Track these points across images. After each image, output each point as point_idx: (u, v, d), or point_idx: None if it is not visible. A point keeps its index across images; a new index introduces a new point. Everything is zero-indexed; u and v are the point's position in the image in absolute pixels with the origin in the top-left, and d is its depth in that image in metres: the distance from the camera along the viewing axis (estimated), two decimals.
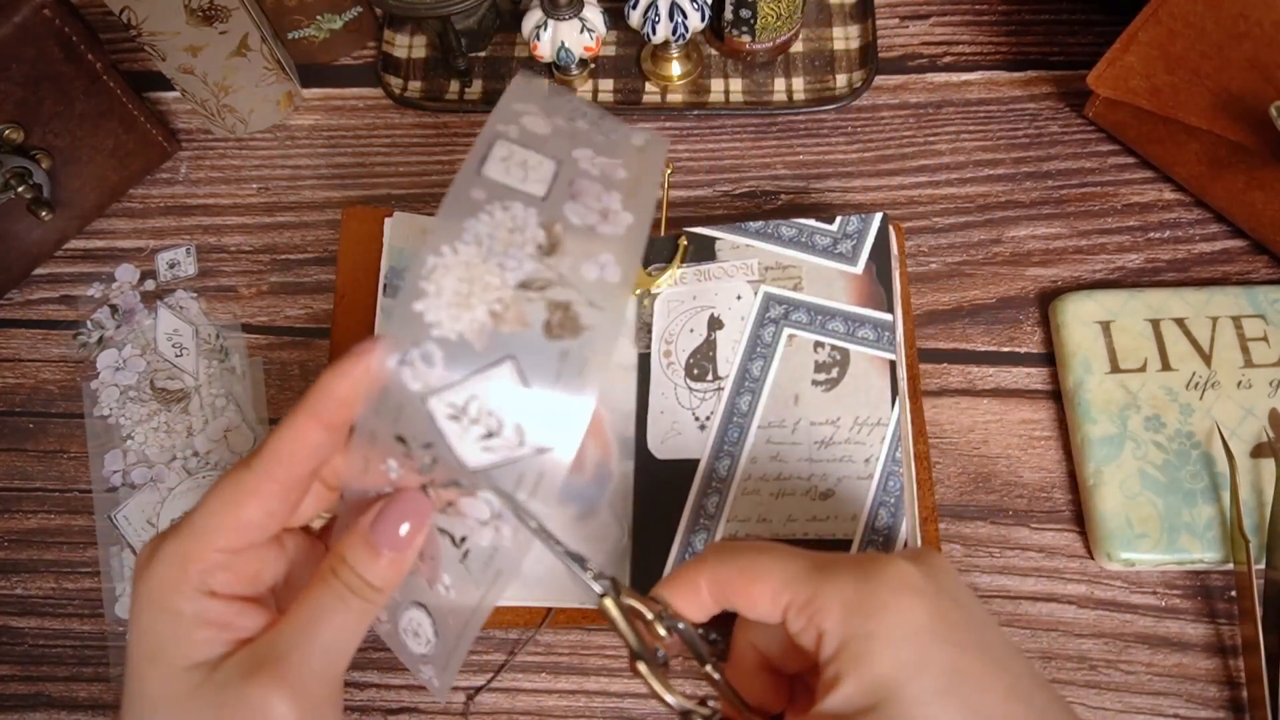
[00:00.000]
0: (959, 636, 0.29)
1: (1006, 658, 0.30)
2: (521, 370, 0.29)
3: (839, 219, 0.49)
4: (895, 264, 0.49)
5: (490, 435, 0.29)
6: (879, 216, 0.49)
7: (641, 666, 0.30)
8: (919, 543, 0.44)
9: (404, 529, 0.30)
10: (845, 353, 0.47)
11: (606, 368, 0.30)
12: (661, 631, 0.31)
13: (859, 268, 0.48)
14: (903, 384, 0.47)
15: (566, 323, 0.30)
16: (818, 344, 0.47)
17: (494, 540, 0.31)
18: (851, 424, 0.46)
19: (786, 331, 0.48)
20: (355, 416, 0.30)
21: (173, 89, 0.57)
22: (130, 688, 0.30)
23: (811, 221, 0.49)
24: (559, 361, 0.29)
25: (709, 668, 0.32)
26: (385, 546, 0.30)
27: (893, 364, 0.46)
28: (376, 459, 0.31)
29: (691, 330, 0.49)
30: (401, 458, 0.30)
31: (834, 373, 0.47)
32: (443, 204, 0.30)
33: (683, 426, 0.47)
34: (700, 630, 0.32)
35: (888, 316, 0.47)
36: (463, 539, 0.31)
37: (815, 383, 0.47)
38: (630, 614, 0.31)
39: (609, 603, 0.31)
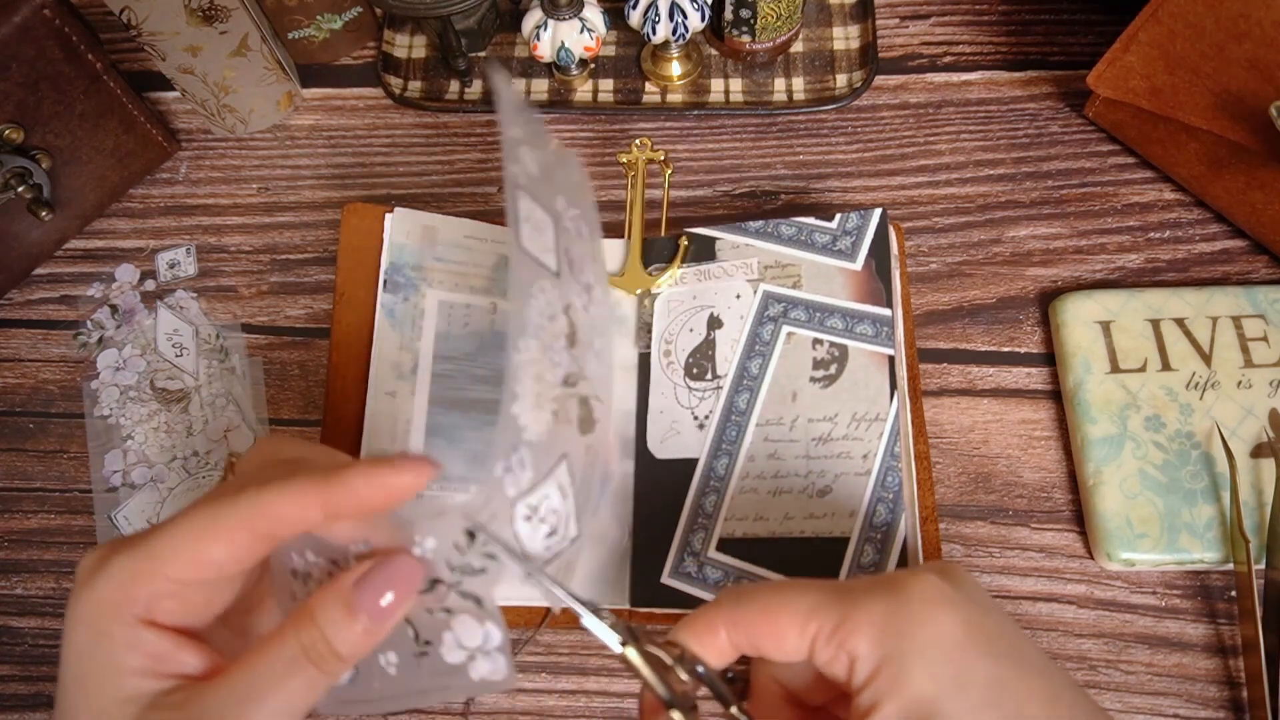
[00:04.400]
0: (995, 647, 0.28)
1: (1042, 665, 0.29)
2: (571, 468, 0.29)
3: (838, 216, 0.49)
4: (895, 262, 0.49)
5: (552, 533, 0.29)
6: (878, 212, 0.49)
7: (676, 715, 0.29)
8: (919, 541, 0.44)
9: (389, 597, 0.28)
10: (844, 349, 0.47)
11: (615, 470, 0.31)
12: (683, 676, 0.30)
13: (858, 264, 0.48)
14: (902, 380, 0.47)
15: (587, 418, 0.30)
16: (816, 341, 0.47)
17: (462, 663, 0.29)
18: (849, 420, 0.46)
19: (785, 329, 0.48)
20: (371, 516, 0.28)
21: (173, 89, 0.57)
22: (60, 709, 0.28)
23: (811, 220, 0.50)
24: (587, 456, 0.29)
25: (734, 709, 0.31)
26: (365, 612, 0.27)
27: (891, 359, 0.46)
28: (415, 531, 0.29)
29: (691, 330, 0.49)
30: (448, 547, 0.29)
31: (832, 369, 0.47)
32: (510, 284, 0.28)
33: (682, 426, 0.47)
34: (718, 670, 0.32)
35: (886, 311, 0.47)
36: (427, 643, 0.30)
37: (813, 379, 0.47)
38: (652, 661, 0.30)
39: (633, 652, 0.30)
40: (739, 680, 0.34)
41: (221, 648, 0.29)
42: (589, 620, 0.30)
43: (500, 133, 0.30)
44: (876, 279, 0.48)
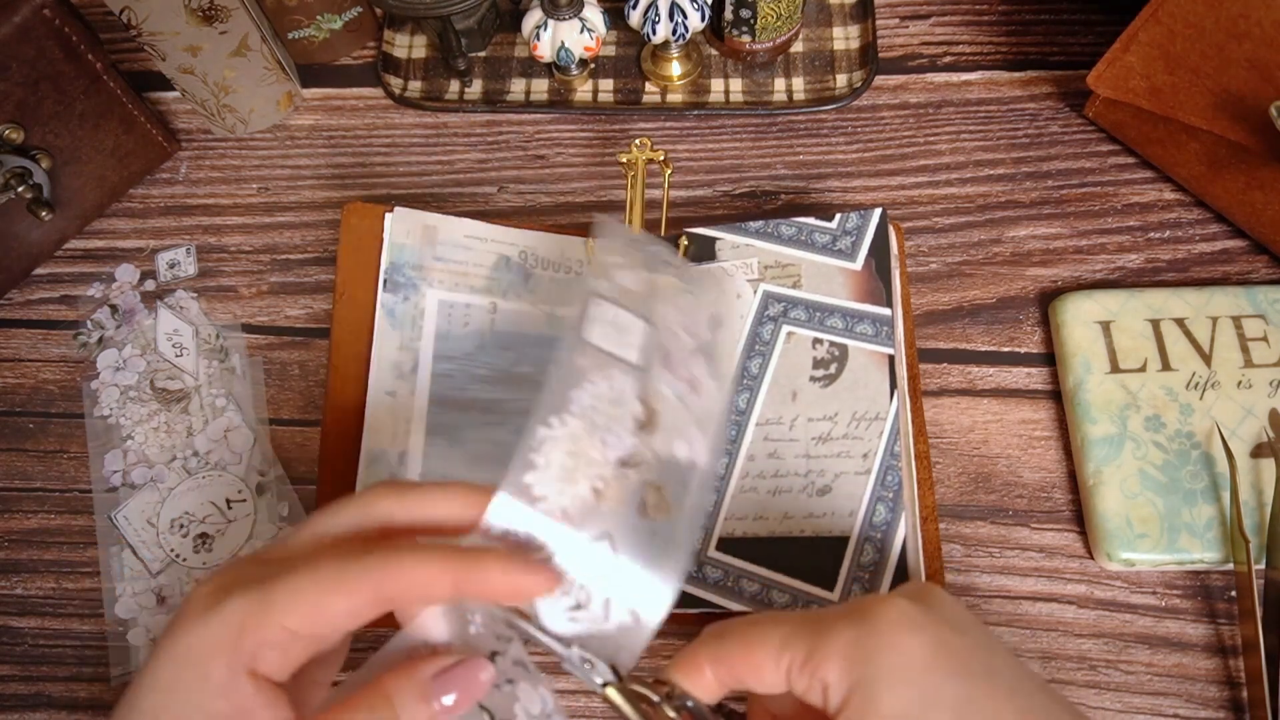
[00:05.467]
0: (965, 667, 0.29)
1: (1017, 682, 0.29)
2: (615, 548, 0.30)
3: (838, 217, 0.49)
4: (894, 261, 0.49)
5: (579, 607, 0.30)
6: (878, 212, 0.49)
7: None
8: (919, 541, 0.44)
9: (462, 693, 0.29)
10: (843, 349, 0.47)
11: (691, 554, 0.31)
12: (671, 714, 0.31)
13: (858, 264, 0.48)
14: (902, 379, 0.47)
15: (660, 504, 0.31)
16: (816, 340, 0.47)
17: None
18: (849, 419, 0.46)
19: (785, 329, 0.48)
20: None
21: (173, 89, 0.57)
22: None
23: (811, 220, 0.50)
24: (649, 540, 0.30)
25: None
26: (438, 702, 0.29)
27: (891, 359, 0.46)
28: (465, 610, 0.30)
29: None
30: (492, 619, 0.30)
31: (832, 369, 0.47)
32: (551, 370, 0.30)
33: None
34: (715, 706, 0.32)
35: (886, 311, 0.47)
36: None
37: (813, 379, 0.47)
38: (636, 699, 0.30)
39: (613, 691, 0.30)
40: (739, 717, 0.34)
41: (290, 695, 0.29)
42: (571, 660, 0.30)
43: (596, 254, 0.34)
44: (876, 279, 0.48)
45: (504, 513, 0.29)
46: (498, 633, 0.30)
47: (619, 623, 0.30)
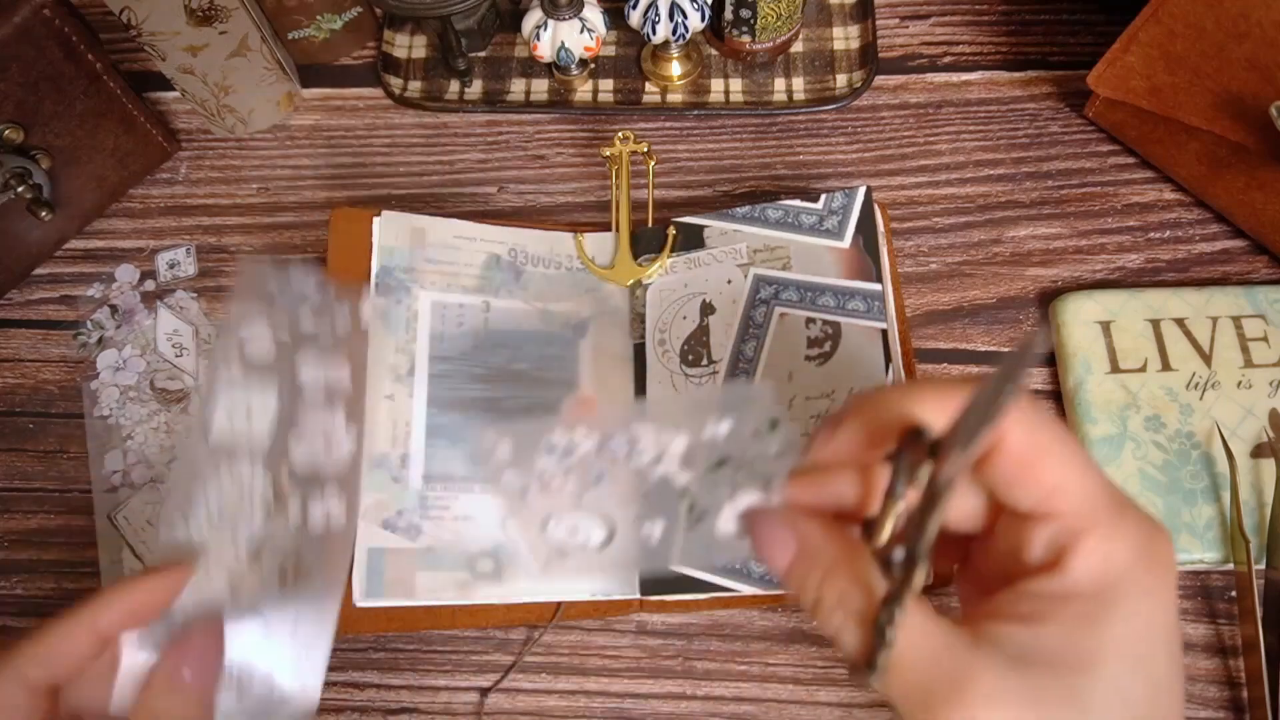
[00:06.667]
0: (1170, 645, 0.27)
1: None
2: (266, 624, 0.32)
3: (824, 197, 0.50)
4: (882, 238, 0.49)
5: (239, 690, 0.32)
6: (862, 189, 0.49)
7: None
8: None
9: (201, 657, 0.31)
10: (837, 326, 0.47)
11: (335, 607, 0.34)
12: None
13: (846, 242, 0.49)
14: (896, 353, 0.47)
15: (300, 571, 0.33)
16: (809, 320, 0.48)
17: (732, 535, 0.31)
18: (846, 395, 0.46)
19: (777, 311, 0.48)
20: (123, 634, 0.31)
21: (173, 89, 0.57)
22: None
23: (797, 202, 0.50)
24: (294, 607, 0.32)
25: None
26: (187, 670, 0.31)
27: (884, 332, 0.47)
28: (709, 415, 0.32)
29: (684, 317, 0.49)
30: (745, 433, 0.31)
31: (826, 346, 0.47)
32: (173, 471, 0.33)
33: None
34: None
35: (876, 287, 0.47)
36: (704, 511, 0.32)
37: (809, 358, 0.47)
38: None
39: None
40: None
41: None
42: None
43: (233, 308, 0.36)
44: (865, 255, 0.48)
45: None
46: (751, 448, 0.31)
47: (281, 695, 0.32)
